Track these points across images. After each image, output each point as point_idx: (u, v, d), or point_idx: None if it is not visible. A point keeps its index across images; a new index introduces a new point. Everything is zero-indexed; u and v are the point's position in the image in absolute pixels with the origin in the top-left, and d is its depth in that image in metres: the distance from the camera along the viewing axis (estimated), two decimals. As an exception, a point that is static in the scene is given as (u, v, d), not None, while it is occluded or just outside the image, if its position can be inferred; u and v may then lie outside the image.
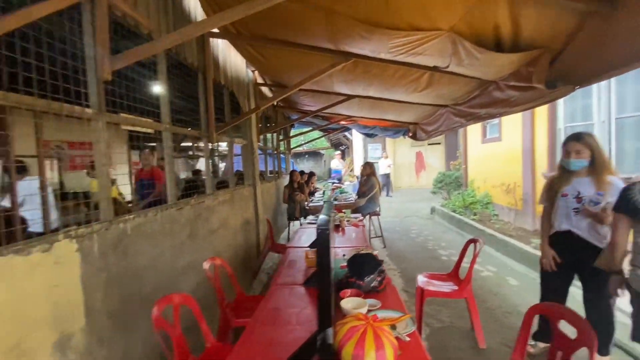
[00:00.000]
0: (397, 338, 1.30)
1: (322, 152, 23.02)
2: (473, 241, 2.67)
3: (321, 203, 5.62)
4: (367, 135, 7.73)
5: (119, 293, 1.75)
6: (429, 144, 11.89)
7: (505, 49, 2.22)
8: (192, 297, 1.89)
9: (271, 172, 6.56)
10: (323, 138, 15.50)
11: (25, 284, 1.24)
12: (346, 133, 11.81)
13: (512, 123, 5.89)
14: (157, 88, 2.38)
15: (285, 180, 7.26)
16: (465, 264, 2.73)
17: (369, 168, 5.20)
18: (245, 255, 4.07)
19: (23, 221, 2.13)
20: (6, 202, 2.61)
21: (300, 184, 6.33)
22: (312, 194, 7.11)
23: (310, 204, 5.62)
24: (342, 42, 2.63)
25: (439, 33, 2.17)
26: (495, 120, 6.39)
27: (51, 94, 1.41)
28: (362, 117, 6.22)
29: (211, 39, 3.12)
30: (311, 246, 2.90)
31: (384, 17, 2.11)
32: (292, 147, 9.27)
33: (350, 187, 9.03)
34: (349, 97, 4.53)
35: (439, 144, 12.06)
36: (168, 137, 2.40)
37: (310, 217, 4.47)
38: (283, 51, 3.15)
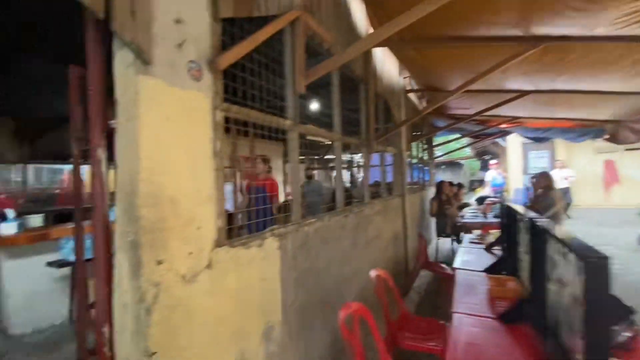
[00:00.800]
0: None
1: (461, 162, 20.80)
2: None
3: (478, 220, 4.89)
4: (535, 139, 6.37)
5: (303, 292, 1.84)
6: (625, 149, 8.85)
7: None
8: (368, 309, 1.81)
9: (415, 183, 6.20)
10: (462, 146, 13.87)
11: (246, 274, 1.40)
12: (498, 139, 10.18)
13: None
14: (330, 100, 2.50)
15: (429, 192, 6.76)
16: None
17: (544, 179, 4.12)
18: (394, 270, 3.88)
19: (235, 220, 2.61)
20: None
21: (449, 197, 5.73)
22: (460, 208, 6.34)
23: (464, 220, 4.97)
24: (537, 23, 2.15)
25: None
26: None
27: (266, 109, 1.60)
28: (532, 118, 5.15)
29: (372, 49, 3.15)
30: (488, 271, 2.45)
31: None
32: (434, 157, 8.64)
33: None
34: (523, 93, 3.78)
35: (643, 149, 8.85)
36: (339, 146, 2.48)
37: (470, 236, 3.90)
38: (452, 49, 2.87)
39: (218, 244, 1.25)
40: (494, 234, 3.60)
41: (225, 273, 1.27)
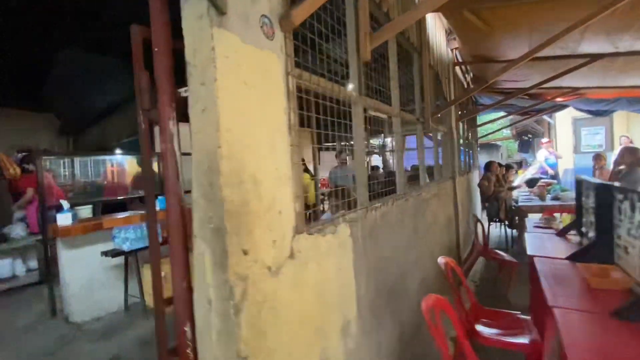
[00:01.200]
0: None
1: (498, 143, 19.67)
2: None
3: (535, 203, 4.48)
4: (596, 113, 5.74)
5: (374, 283, 1.67)
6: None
7: None
8: (449, 303, 1.61)
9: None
10: (503, 126, 12.92)
11: (325, 265, 1.24)
12: (545, 116, 9.34)
13: None
14: (387, 72, 2.25)
15: (475, 174, 6.35)
16: None
17: (629, 155, 3.56)
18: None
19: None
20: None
21: (499, 179, 5.33)
22: (509, 190, 5.90)
23: (520, 204, 4.57)
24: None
25: None
26: None
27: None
28: (597, 88, 4.58)
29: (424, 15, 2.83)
30: (573, 259, 2.15)
31: None
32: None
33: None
34: (595, 58, 3.30)
35: None
36: (398, 123, 2.24)
37: (533, 221, 3.55)
38: (520, 6, 2.50)
39: (297, 231, 1.08)
40: (564, 217, 3.25)
41: (306, 263, 1.11)
